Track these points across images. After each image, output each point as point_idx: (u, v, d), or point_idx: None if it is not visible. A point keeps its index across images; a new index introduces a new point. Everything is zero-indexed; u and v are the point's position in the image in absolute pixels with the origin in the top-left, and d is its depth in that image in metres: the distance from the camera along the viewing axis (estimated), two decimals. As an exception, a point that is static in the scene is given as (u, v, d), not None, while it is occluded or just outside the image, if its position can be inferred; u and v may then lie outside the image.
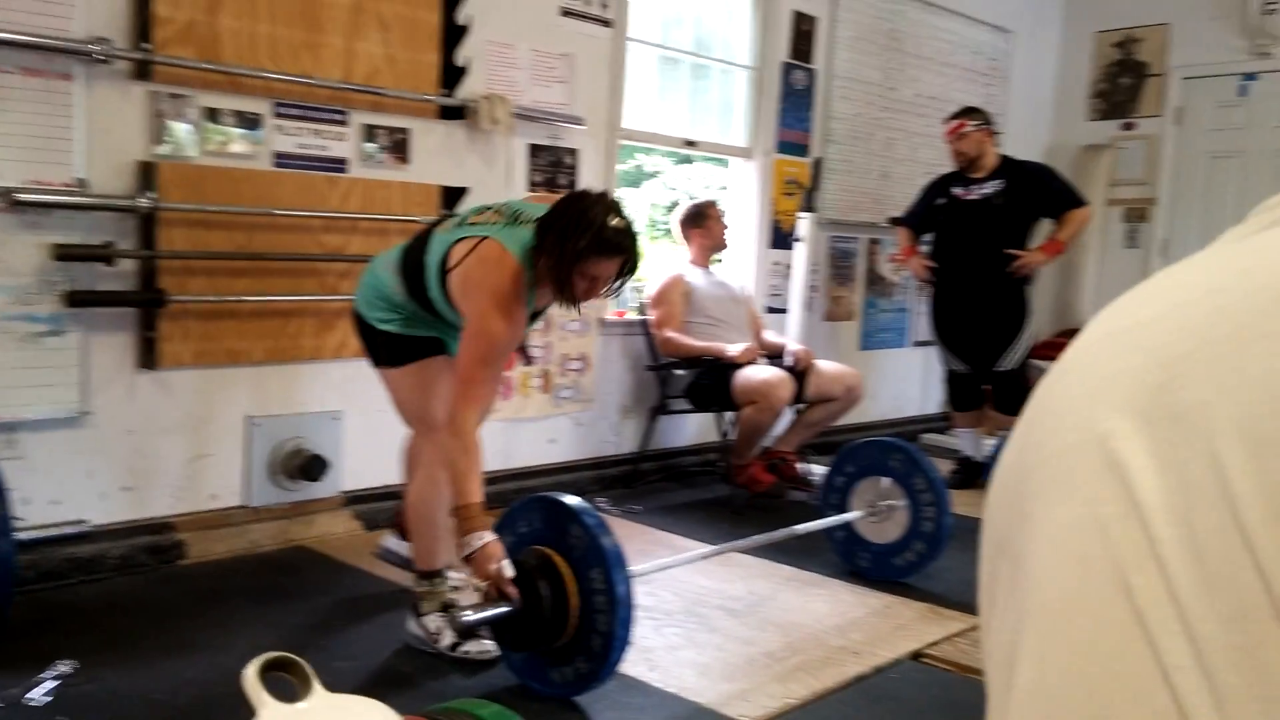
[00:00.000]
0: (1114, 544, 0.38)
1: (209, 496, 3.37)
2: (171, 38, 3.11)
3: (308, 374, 3.56)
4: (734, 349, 4.30)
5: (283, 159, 3.41)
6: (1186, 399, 0.37)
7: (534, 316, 2.70)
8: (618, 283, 2.56)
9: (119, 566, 3.10)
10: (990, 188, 4.61)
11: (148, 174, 3.10)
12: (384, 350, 2.71)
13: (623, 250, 2.47)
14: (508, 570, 2.32)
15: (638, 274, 2.61)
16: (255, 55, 3.30)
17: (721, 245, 4.62)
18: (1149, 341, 0.41)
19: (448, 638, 2.60)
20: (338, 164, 3.54)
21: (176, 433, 3.28)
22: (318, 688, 0.86)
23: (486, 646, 2.59)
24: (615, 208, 2.50)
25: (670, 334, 4.38)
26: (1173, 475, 0.37)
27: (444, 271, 2.53)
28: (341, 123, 3.54)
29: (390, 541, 3.12)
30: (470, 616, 2.30)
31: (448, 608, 2.59)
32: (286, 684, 0.88)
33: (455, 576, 2.79)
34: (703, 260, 4.57)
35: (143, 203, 3.05)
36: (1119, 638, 0.37)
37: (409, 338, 2.68)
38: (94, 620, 2.76)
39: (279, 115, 3.38)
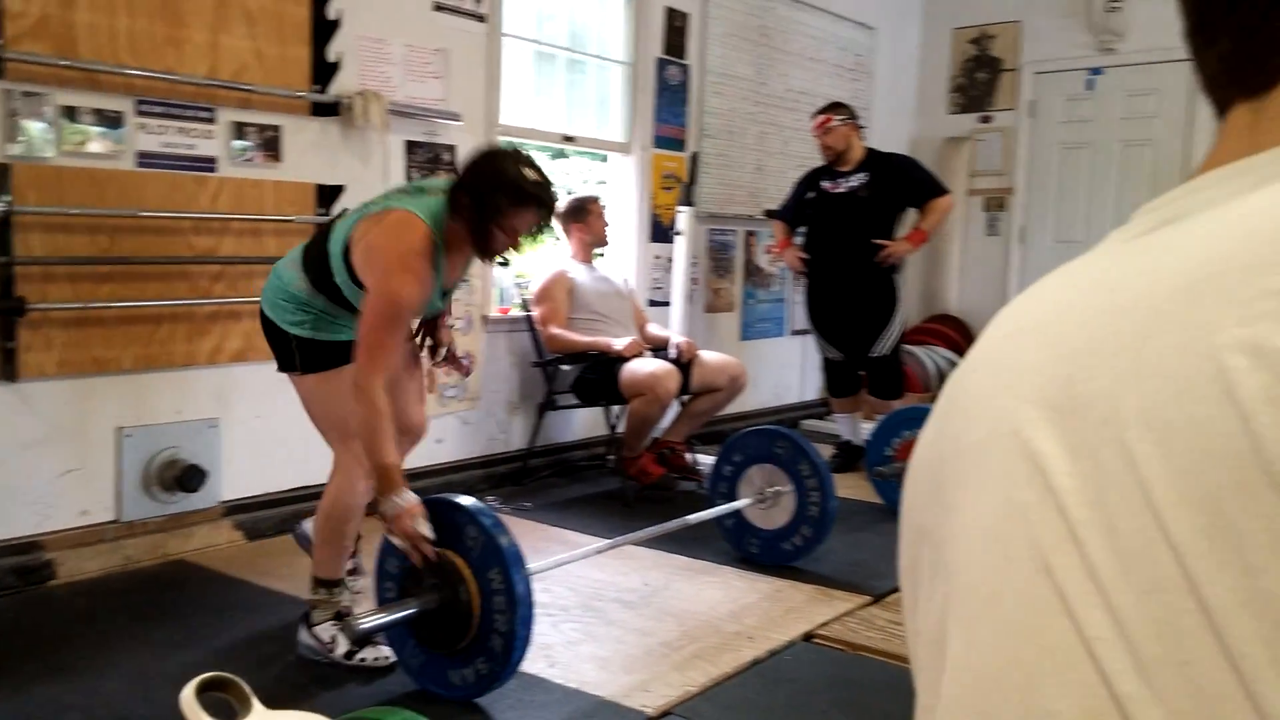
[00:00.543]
0: (1033, 527, 0.40)
1: (79, 512, 3.21)
2: (24, 33, 2.94)
3: (181, 381, 3.43)
4: (619, 343, 4.33)
5: (147, 158, 3.27)
6: (1092, 390, 0.40)
7: (444, 295, 2.66)
8: (536, 230, 2.59)
9: (-17, 591, 2.94)
10: (856, 180, 4.76)
11: (1, 176, 2.93)
12: (298, 355, 2.61)
13: (541, 200, 2.49)
14: (427, 530, 2.31)
15: (540, 239, 2.61)
16: (114, 51, 3.15)
17: (603, 241, 4.64)
18: (1052, 337, 0.43)
19: (342, 646, 2.56)
20: (206, 163, 3.42)
21: (42, 447, 3.12)
22: (257, 705, 0.85)
23: (384, 653, 2.55)
24: (528, 159, 2.52)
25: (555, 330, 4.38)
26: (1085, 462, 0.39)
27: (348, 251, 2.47)
28: (209, 120, 3.41)
29: (308, 525, 3.01)
30: (368, 623, 2.26)
31: (341, 616, 2.54)
32: (224, 704, 0.86)
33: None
34: (584, 255, 4.58)
35: (-4, 206, 2.89)
36: (1042, 614, 0.39)
37: (323, 343, 2.59)
38: (-41, 648, 2.61)
39: (142, 113, 3.24)
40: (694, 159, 5.15)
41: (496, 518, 2.37)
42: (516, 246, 2.56)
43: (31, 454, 3.10)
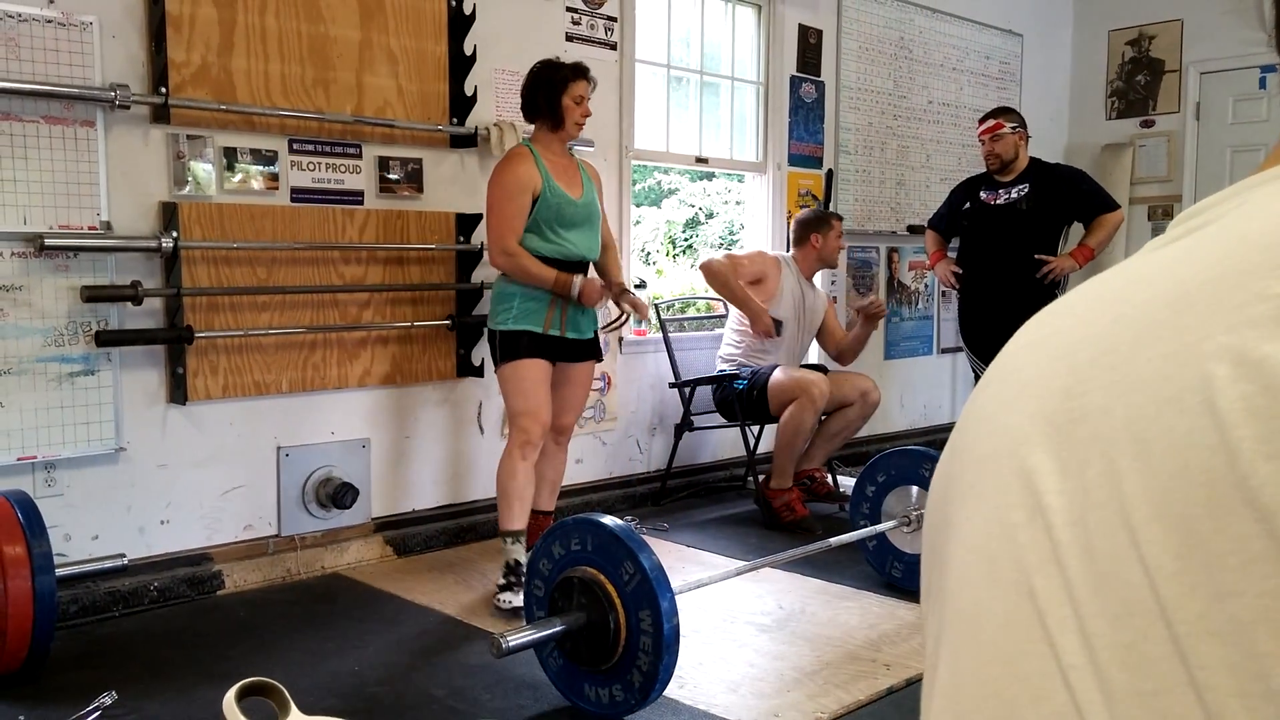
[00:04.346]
0: (1020, 549, 0.39)
1: (244, 527, 3.42)
2: (186, 81, 3.18)
3: (334, 403, 3.61)
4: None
5: (300, 194, 3.47)
6: (1089, 404, 0.38)
7: (576, 206, 3.31)
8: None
9: (159, 599, 3.15)
10: (1017, 192, 4.56)
11: (170, 214, 3.17)
12: (497, 350, 3.32)
13: (578, 70, 3.28)
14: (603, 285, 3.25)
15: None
16: (268, 94, 3.37)
17: (831, 262, 4.56)
18: (1060, 349, 0.42)
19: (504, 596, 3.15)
20: (354, 196, 3.60)
21: (209, 465, 3.34)
22: (295, 711, 0.89)
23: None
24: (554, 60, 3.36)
25: (732, 269, 4.31)
26: (1072, 479, 0.38)
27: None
28: (355, 156, 3.60)
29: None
30: (516, 640, 2.31)
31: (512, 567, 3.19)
32: (266, 708, 0.91)
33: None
34: (807, 269, 4.52)
35: (166, 242, 3.12)
36: (1023, 640, 0.38)
37: (516, 333, 3.24)
38: (135, 652, 2.81)
39: (294, 151, 3.45)
40: (829, 176, 5.10)
41: (657, 561, 2.36)
42: (586, 112, 3.29)
43: (201, 471, 3.32)
